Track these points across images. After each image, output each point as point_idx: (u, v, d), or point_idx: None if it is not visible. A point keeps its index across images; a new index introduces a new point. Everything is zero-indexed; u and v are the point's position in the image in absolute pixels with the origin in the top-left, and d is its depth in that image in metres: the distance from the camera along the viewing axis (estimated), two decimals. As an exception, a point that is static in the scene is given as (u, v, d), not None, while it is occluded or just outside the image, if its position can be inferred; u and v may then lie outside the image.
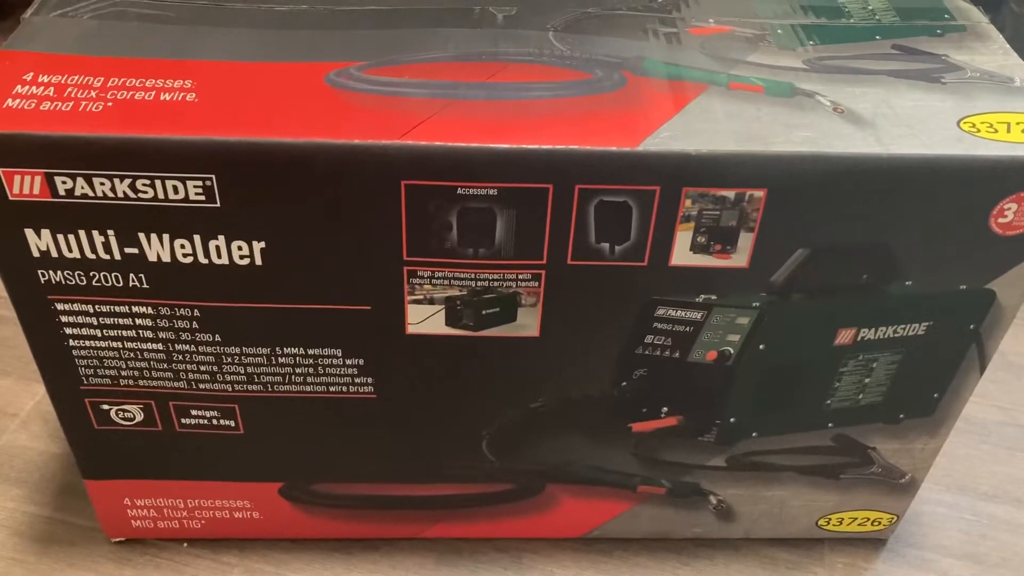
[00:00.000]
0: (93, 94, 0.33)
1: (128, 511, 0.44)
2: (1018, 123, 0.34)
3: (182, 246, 0.34)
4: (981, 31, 0.39)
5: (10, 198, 0.33)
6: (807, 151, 0.32)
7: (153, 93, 0.33)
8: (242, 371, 0.38)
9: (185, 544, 0.46)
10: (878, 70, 0.37)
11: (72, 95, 0.33)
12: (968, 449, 0.53)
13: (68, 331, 0.37)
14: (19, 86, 0.33)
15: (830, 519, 0.46)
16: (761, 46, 0.37)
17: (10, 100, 0.32)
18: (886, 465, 0.44)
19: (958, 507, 0.50)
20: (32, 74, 0.33)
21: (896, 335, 0.38)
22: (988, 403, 0.55)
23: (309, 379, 0.39)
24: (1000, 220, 0.34)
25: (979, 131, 0.34)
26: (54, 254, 0.34)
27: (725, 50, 0.37)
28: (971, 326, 0.38)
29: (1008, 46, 0.38)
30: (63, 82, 0.33)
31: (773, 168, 0.33)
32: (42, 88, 0.33)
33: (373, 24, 0.37)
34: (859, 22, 0.39)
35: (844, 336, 0.38)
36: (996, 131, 0.34)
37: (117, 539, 0.46)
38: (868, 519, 0.46)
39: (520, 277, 0.35)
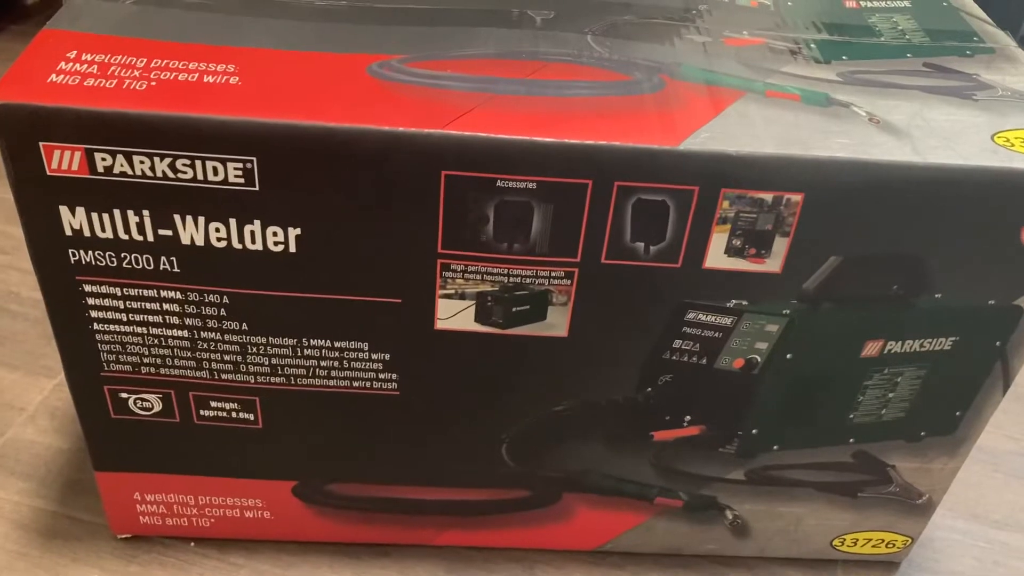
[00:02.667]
0: (136, 73, 0.33)
1: (137, 506, 0.44)
2: (1052, 139, 0.34)
3: (217, 230, 0.34)
4: (1010, 54, 0.40)
5: (48, 173, 0.32)
6: (846, 157, 0.33)
7: (196, 75, 0.33)
8: (266, 362, 0.38)
9: (192, 544, 0.46)
10: (911, 85, 0.37)
11: (115, 73, 0.33)
12: (980, 477, 0.53)
13: (93, 314, 0.36)
14: (63, 63, 0.33)
15: (844, 539, 0.46)
16: (795, 58, 0.38)
17: (54, 75, 0.32)
18: (904, 484, 0.43)
19: (971, 534, 0.50)
20: (76, 52, 0.33)
21: (922, 349, 0.38)
22: (1000, 433, 0.55)
23: (333, 373, 0.38)
24: (1031, 235, 0.35)
25: (1013, 145, 0.34)
26: (87, 233, 0.34)
27: (760, 60, 0.37)
28: (997, 343, 0.38)
29: (1038, 68, 0.39)
30: (106, 61, 0.33)
31: (812, 172, 0.33)
32: (85, 66, 0.33)
33: (412, 22, 0.38)
34: (889, 41, 0.40)
35: (871, 348, 0.38)
36: (1030, 146, 0.34)
37: (123, 535, 0.45)
38: (883, 540, 0.46)
39: (553, 274, 0.35)
